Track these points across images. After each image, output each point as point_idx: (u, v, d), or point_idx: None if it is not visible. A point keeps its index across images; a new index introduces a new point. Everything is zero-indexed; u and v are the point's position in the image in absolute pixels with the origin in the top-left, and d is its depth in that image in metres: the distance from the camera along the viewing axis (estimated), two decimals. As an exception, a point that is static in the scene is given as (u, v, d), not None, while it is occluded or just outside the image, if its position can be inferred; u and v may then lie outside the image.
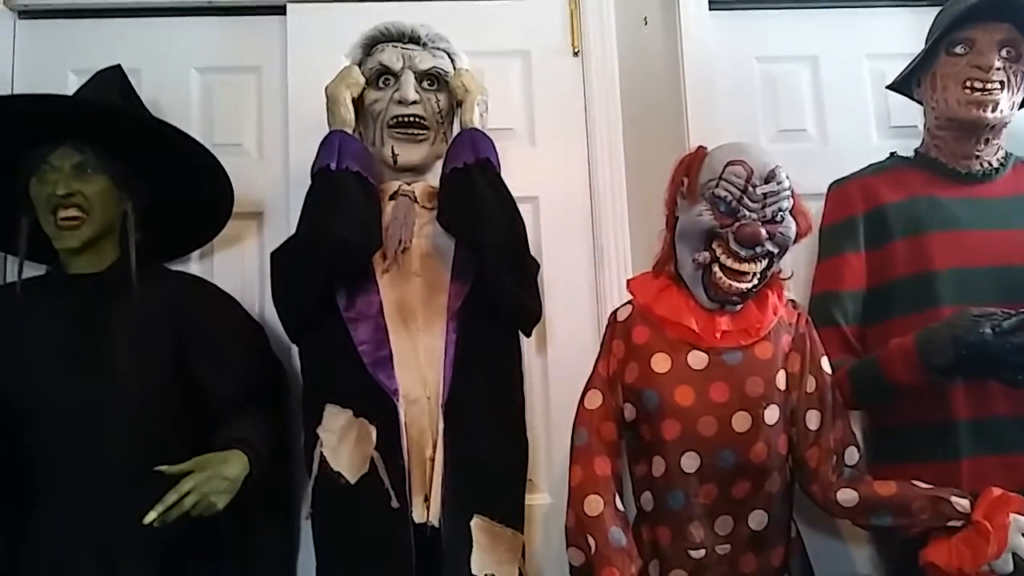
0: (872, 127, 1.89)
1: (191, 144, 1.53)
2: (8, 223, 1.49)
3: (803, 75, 1.91)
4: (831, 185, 1.70)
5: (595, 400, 1.44)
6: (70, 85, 1.76)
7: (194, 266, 1.75)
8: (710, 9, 1.88)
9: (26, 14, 1.84)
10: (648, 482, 1.41)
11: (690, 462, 1.37)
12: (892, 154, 1.69)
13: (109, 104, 1.51)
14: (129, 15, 1.85)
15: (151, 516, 1.20)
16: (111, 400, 1.40)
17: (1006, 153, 1.60)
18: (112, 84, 1.60)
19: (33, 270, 1.53)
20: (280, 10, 1.85)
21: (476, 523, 1.40)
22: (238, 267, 1.77)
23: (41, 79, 1.79)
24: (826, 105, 1.89)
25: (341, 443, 1.40)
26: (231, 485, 1.29)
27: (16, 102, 1.44)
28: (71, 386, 1.40)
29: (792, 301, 1.50)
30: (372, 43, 1.55)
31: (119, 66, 1.64)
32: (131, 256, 1.47)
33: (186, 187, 1.57)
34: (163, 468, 1.25)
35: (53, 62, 1.81)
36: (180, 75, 1.84)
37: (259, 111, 1.85)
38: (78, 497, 1.36)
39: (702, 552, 1.36)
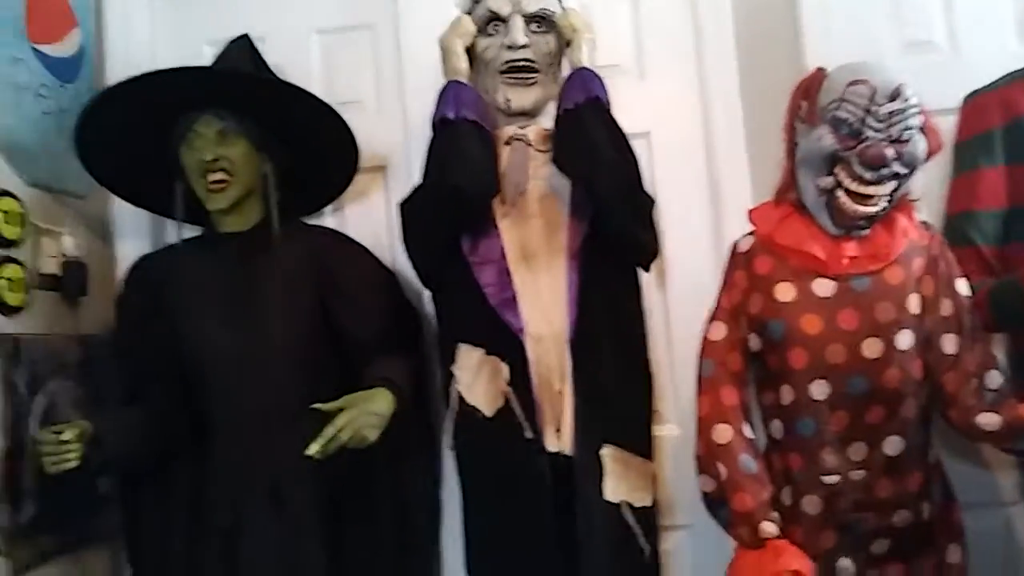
0: (1010, 33, 1.75)
1: (317, 104, 1.62)
2: (164, 190, 1.62)
3: (931, -18, 1.79)
4: (965, 98, 1.61)
5: (719, 331, 1.45)
6: (204, 56, 1.87)
7: (328, 219, 1.86)
8: (825, -81, 1.78)
9: (162, -9, 1.97)
10: (777, 410, 1.42)
11: (820, 390, 1.37)
12: (1033, 61, 1.58)
13: (243, 73, 1.62)
14: (252, -16, 1.95)
15: (313, 449, 1.33)
16: (265, 347, 1.54)
17: None
18: (243, 53, 1.71)
19: (188, 233, 1.67)
20: (388, -35, 1.89)
21: (607, 451, 1.46)
22: (367, 218, 1.86)
23: (179, 52, 1.92)
24: (957, 13, 1.76)
25: (475, 380, 1.49)
26: (380, 419, 1.40)
27: (161, 76, 1.55)
28: (229, 336, 1.54)
29: (924, 223, 1.45)
30: (480, -10, 1.58)
31: (247, 35, 1.74)
32: (273, 213, 1.59)
33: (316, 145, 1.67)
34: (319, 406, 1.37)
35: (188, 35, 1.94)
36: (301, 38, 1.93)
37: (376, 67, 1.91)
38: (246, 435, 1.52)
39: (836, 478, 1.36)
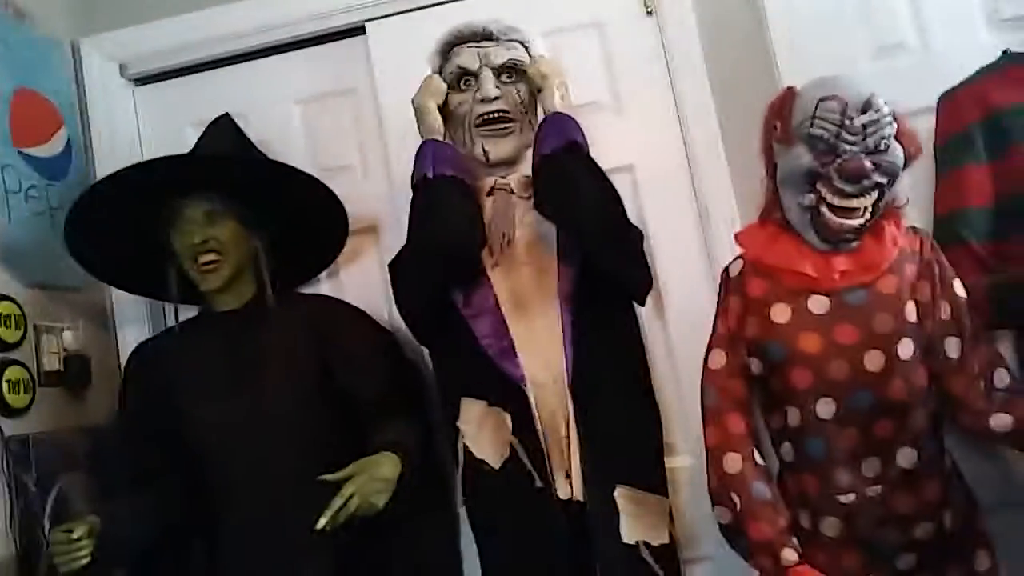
0: (980, 26, 1.74)
1: (299, 176, 1.65)
2: (157, 274, 1.64)
3: (896, -17, 1.79)
4: (941, 97, 1.61)
5: (719, 359, 1.44)
6: (188, 138, 1.90)
7: (324, 285, 1.87)
8: (781, -64, 1.79)
9: (141, 81, 2.01)
10: (785, 433, 1.41)
11: (825, 408, 1.35)
12: (1005, 52, 1.57)
13: (224, 156, 1.65)
14: (228, 63, 1.98)
15: (322, 522, 1.32)
16: (269, 420, 1.54)
17: None
18: (225, 132, 1.74)
19: (185, 313, 1.69)
20: (360, 30, 1.92)
21: (620, 492, 1.45)
22: (362, 279, 1.88)
23: (163, 137, 1.96)
24: (925, 12, 1.76)
25: (480, 432, 1.48)
26: (387, 485, 1.39)
27: (143, 167, 1.59)
28: (232, 412, 1.55)
29: (913, 228, 1.44)
30: (448, 48, 1.61)
31: (227, 114, 1.77)
32: (267, 288, 1.60)
33: (304, 215, 1.68)
34: (325, 477, 1.37)
35: (171, 119, 1.98)
36: (282, 110, 1.96)
37: (357, 130, 1.94)
38: (255, 508, 1.52)
39: (852, 496, 1.34)
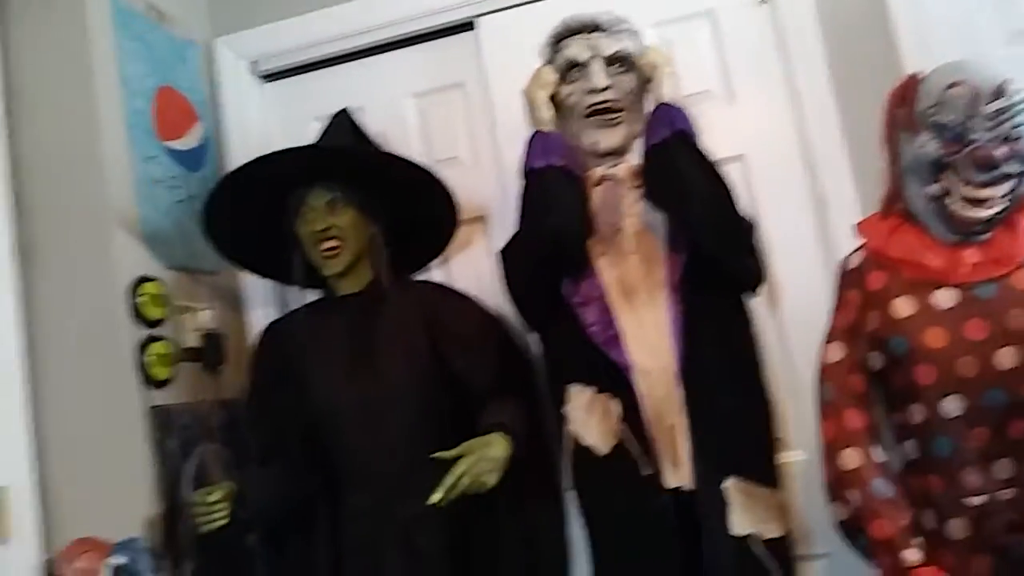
0: None
1: (414, 167, 1.71)
2: (285, 261, 1.74)
3: (1036, -38, 1.69)
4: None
5: (836, 353, 1.40)
6: (311, 131, 1.99)
7: (436, 273, 1.93)
8: (910, -85, 1.72)
9: (269, 77, 2.13)
10: (908, 430, 1.35)
11: (953, 406, 1.29)
12: None
13: (344, 148, 1.73)
14: (347, 60, 2.08)
15: (435, 497, 1.38)
16: (386, 400, 1.62)
17: None
18: (345, 125, 1.82)
19: (310, 297, 1.78)
20: (471, 25, 1.97)
21: (731, 484, 1.44)
22: (473, 268, 1.93)
23: (288, 130, 2.07)
24: (1069, -10, 1.66)
25: (588, 419, 1.50)
26: (497, 464, 1.44)
27: (271, 159, 1.68)
28: (352, 391, 1.63)
29: (1052, 219, 1.35)
30: (558, 40, 1.62)
31: (346, 109, 1.86)
32: (384, 273, 1.68)
33: (418, 204, 1.75)
34: (438, 454, 1.43)
35: (296, 114, 2.09)
36: (397, 103, 2.04)
37: (468, 123, 1.99)
38: (374, 484, 1.60)
39: (982, 499, 1.28)
